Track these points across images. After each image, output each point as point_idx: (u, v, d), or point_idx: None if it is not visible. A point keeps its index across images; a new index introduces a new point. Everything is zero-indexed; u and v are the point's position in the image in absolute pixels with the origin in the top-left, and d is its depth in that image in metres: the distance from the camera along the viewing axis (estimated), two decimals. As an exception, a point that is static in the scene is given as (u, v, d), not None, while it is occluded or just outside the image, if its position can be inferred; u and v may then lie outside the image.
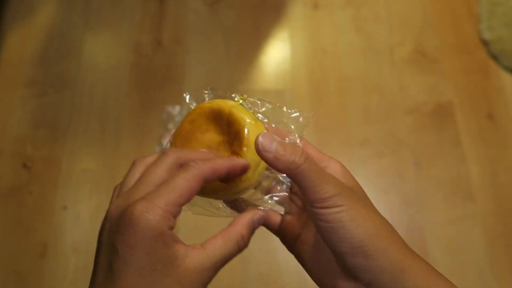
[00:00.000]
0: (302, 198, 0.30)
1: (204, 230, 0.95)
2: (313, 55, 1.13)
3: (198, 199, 0.34)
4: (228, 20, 1.17)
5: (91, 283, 0.25)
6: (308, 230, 0.34)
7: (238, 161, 0.30)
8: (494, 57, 1.12)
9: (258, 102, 0.36)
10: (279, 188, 0.35)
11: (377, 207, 0.31)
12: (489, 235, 0.95)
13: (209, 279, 0.26)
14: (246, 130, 0.32)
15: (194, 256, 0.26)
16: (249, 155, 0.31)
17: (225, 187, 0.32)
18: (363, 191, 0.32)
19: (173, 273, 0.24)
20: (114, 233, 0.25)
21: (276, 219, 0.36)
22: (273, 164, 0.28)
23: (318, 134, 1.04)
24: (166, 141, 0.99)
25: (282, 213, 0.34)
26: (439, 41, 1.15)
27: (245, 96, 0.35)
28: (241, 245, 0.29)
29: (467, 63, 1.12)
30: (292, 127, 0.35)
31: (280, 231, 0.36)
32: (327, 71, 1.12)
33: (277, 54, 1.14)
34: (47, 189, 0.99)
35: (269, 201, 0.34)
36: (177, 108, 1.05)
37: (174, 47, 1.14)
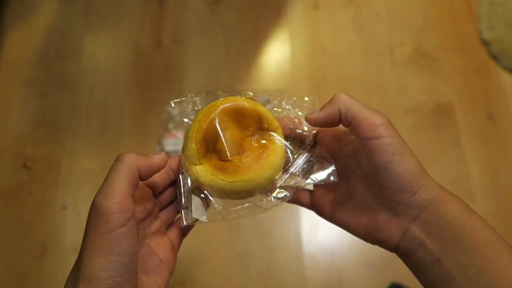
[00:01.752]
0: (354, 132, 0.32)
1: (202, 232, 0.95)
2: (313, 55, 1.13)
3: (228, 204, 0.34)
4: (228, 20, 1.17)
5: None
6: (339, 192, 0.35)
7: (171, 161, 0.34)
8: (494, 57, 1.12)
9: (263, 96, 0.37)
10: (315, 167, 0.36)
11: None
12: (489, 235, 0.95)
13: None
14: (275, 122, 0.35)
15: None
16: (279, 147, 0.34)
17: (241, 186, 0.33)
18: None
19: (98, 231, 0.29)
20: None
21: (305, 196, 0.37)
22: (325, 114, 0.32)
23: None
24: (166, 141, 0.99)
25: (312, 188, 0.36)
26: (439, 41, 1.15)
27: (248, 94, 0.36)
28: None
29: (467, 63, 1.12)
30: (300, 113, 0.37)
31: (314, 205, 0.37)
32: (327, 71, 1.12)
33: (277, 54, 1.14)
34: (47, 189, 0.99)
35: (304, 180, 0.35)
36: (177, 108, 1.05)
37: (174, 47, 1.14)
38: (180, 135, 1.01)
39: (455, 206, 0.29)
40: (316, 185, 0.36)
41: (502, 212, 0.97)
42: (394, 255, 0.33)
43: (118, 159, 0.32)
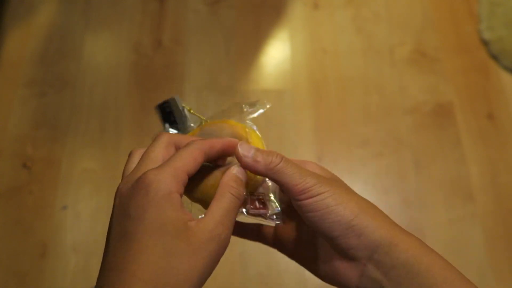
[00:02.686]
0: (287, 194, 0.32)
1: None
2: (313, 55, 1.13)
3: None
4: (228, 20, 1.17)
5: (104, 254, 0.26)
6: (304, 233, 0.35)
7: (230, 139, 0.32)
8: (494, 57, 1.12)
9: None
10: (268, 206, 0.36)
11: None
12: (489, 235, 0.95)
13: (218, 237, 0.26)
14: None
15: (200, 220, 0.27)
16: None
17: None
18: (342, 181, 0.34)
19: (183, 236, 0.25)
20: (126, 203, 0.26)
21: (270, 230, 0.37)
22: (253, 167, 0.30)
23: (318, 134, 1.04)
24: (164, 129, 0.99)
25: (274, 224, 0.35)
26: (439, 41, 1.15)
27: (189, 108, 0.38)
28: (236, 193, 0.30)
29: (467, 63, 1.12)
30: (245, 110, 0.37)
31: (277, 242, 0.37)
32: (327, 71, 1.12)
33: (277, 54, 1.14)
34: (47, 189, 0.99)
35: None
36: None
37: (174, 47, 1.14)
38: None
39: (408, 245, 0.28)
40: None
41: (502, 212, 0.97)
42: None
43: (187, 145, 0.30)
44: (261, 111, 0.37)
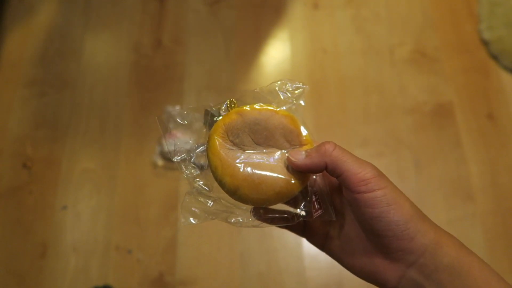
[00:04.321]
0: (344, 185, 0.31)
1: (202, 234, 0.95)
2: (313, 55, 1.13)
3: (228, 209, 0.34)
4: (228, 20, 1.17)
5: None
6: (334, 227, 0.35)
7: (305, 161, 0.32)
8: (494, 57, 1.12)
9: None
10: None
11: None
12: (489, 235, 0.95)
13: None
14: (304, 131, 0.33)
15: None
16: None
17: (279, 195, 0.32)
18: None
19: None
20: None
21: (300, 222, 0.36)
22: (310, 163, 0.30)
23: (318, 134, 1.04)
24: (165, 141, 0.99)
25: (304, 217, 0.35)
26: (439, 41, 1.15)
27: (233, 100, 0.35)
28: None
29: (467, 63, 1.12)
30: (291, 96, 0.35)
31: (307, 233, 0.37)
32: (327, 71, 1.12)
33: (277, 54, 1.14)
34: (47, 189, 0.99)
35: (298, 210, 0.34)
36: (177, 108, 1.05)
37: (174, 47, 1.14)
38: (180, 135, 1.01)
39: (451, 248, 0.29)
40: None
41: (502, 212, 0.97)
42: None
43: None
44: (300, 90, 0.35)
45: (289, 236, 0.94)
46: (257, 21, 1.17)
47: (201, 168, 0.34)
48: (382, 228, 0.28)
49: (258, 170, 0.31)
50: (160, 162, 1.00)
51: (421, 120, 1.06)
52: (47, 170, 1.01)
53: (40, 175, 1.00)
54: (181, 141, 1.07)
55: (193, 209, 0.33)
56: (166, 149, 0.99)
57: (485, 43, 1.13)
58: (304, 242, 0.93)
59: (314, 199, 0.33)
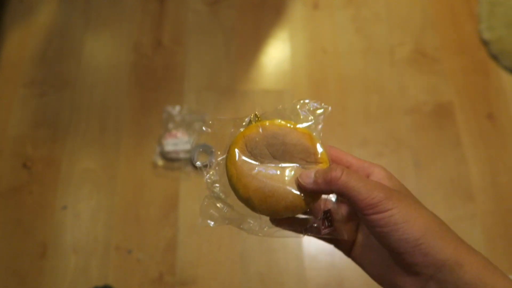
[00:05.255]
0: (353, 208, 0.32)
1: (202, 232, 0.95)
2: (313, 55, 1.13)
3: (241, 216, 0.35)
4: (228, 20, 1.17)
5: None
6: (361, 234, 0.35)
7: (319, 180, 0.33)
8: (494, 57, 1.12)
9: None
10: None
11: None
12: (489, 235, 0.95)
13: None
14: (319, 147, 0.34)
15: None
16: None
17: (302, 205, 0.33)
18: (409, 191, 0.33)
19: None
20: None
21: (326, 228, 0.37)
22: (317, 189, 0.31)
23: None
24: (166, 141, 0.99)
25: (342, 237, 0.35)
26: (439, 41, 1.15)
27: (257, 114, 0.36)
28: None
29: (467, 63, 1.12)
30: (311, 117, 0.35)
31: (334, 240, 0.37)
32: (327, 71, 1.12)
33: (277, 54, 1.14)
34: (47, 189, 0.99)
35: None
36: (177, 108, 1.05)
37: (174, 47, 1.14)
38: (180, 135, 1.01)
39: (473, 265, 0.28)
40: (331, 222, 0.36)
41: (502, 212, 0.97)
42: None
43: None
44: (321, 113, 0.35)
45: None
46: (257, 21, 1.17)
47: (200, 167, 0.36)
48: (393, 245, 0.29)
49: (270, 182, 0.32)
50: (160, 162, 1.00)
51: (421, 120, 1.06)
52: (47, 170, 1.01)
53: (40, 175, 1.00)
54: (181, 141, 1.08)
55: (210, 211, 0.35)
56: (166, 149, 0.99)
57: (485, 43, 1.13)
58: (304, 242, 0.93)
59: (323, 216, 0.35)
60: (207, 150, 1.00)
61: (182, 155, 0.99)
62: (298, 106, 0.35)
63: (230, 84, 1.10)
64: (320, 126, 0.35)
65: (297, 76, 1.11)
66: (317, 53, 1.14)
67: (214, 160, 0.36)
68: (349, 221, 0.35)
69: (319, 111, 0.35)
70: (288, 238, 0.94)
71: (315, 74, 1.12)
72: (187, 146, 0.99)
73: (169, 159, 1.00)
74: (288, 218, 0.35)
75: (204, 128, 0.36)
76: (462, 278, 0.28)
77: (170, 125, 1.03)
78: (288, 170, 0.33)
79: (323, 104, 0.35)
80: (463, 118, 1.06)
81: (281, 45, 1.15)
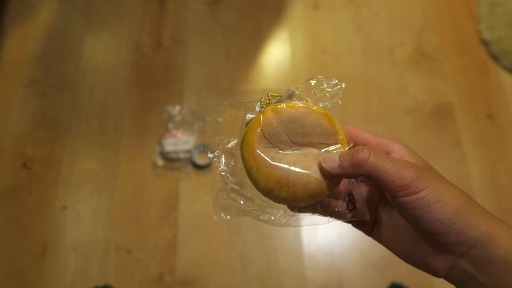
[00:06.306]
0: (381, 189, 0.30)
1: (204, 229, 0.95)
2: (313, 55, 1.13)
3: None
4: (228, 20, 1.17)
5: None
6: (383, 213, 0.34)
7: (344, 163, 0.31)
8: (494, 57, 1.12)
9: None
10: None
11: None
12: (489, 235, 0.95)
13: None
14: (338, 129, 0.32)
15: None
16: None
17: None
18: (432, 166, 0.33)
19: None
20: None
21: (343, 205, 0.35)
22: (344, 173, 0.30)
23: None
24: (166, 141, 0.99)
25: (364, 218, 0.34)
26: (439, 41, 1.15)
27: (269, 96, 0.34)
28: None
29: (467, 63, 1.12)
30: (328, 94, 0.34)
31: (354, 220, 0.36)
32: (327, 71, 1.12)
33: (277, 54, 1.14)
34: (47, 189, 0.99)
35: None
36: (177, 108, 1.05)
37: (174, 47, 1.14)
38: (180, 135, 1.01)
39: (506, 240, 0.28)
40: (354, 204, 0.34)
41: (502, 212, 0.97)
42: (394, 255, 0.33)
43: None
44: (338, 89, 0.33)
45: (289, 236, 0.94)
46: (257, 21, 1.17)
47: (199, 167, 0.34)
48: (426, 226, 0.28)
49: (293, 171, 0.31)
50: (160, 162, 1.00)
51: (421, 120, 1.06)
52: (47, 170, 1.01)
53: (40, 175, 1.00)
54: (181, 141, 1.08)
55: (225, 204, 0.33)
56: (166, 149, 0.99)
57: (485, 43, 1.13)
58: (304, 242, 0.93)
59: (347, 200, 0.33)
60: (207, 150, 1.00)
61: (182, 155, 0.99)
62: (313, 85, 0.33)
63: (230, 84, 1.10)
64: (337, 103, 0.33)
65: (297, 76, 1.11)
66: (317, 53, 1.14)
67: (193, 153, 0.34)
68: (369, 201, 0.34)
69: (334, 89, 0.33)
70: (288, 238, 0.94)
71: (315, 74, 1.11)
72: (187, 146, 1.00)
73: (169, 159, 1.00)
74: (308, 205, 0.33)
75: (214, 117, 0.34)
76: (495, 254, 0.27)
77: (170, 125, 1.03)
78: (310, 155, 0.31)
79: (337, 81, 0.34)
80: (463, 118, 1.06)
81: (281, 45, 1.15)
